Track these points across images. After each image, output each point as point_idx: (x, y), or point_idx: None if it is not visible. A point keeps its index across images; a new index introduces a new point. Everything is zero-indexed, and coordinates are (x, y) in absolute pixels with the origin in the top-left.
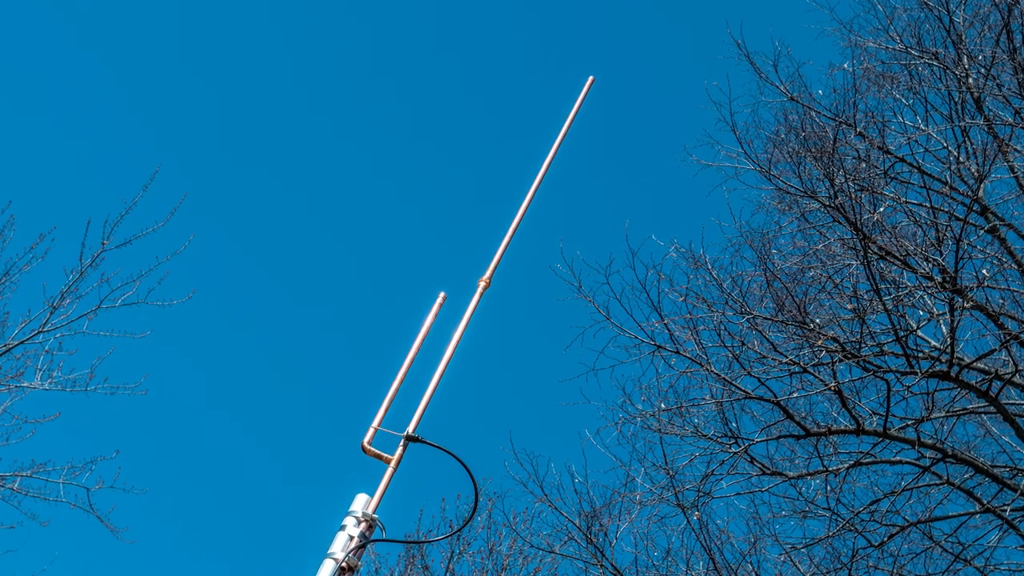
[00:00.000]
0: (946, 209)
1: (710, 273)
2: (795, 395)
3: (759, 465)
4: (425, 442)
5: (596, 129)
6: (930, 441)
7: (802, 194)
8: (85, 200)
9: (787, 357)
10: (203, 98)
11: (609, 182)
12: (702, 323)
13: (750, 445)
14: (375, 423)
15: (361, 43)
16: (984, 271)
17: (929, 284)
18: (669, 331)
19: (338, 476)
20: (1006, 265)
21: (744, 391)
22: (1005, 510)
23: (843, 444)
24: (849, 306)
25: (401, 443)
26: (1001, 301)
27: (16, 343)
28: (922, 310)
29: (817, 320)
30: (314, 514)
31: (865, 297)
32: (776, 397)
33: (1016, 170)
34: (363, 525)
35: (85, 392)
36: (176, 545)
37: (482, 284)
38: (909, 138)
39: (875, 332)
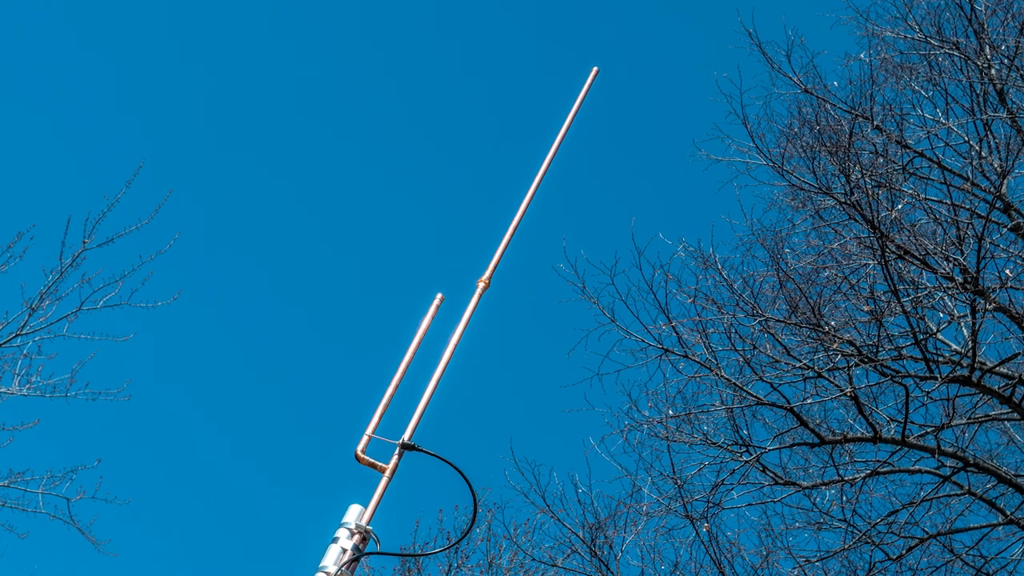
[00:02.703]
0: (967, 206)
1: (720, 273)
2: (809, 401)
3: (771, 474)
4: (421, 450)
5: (600, 123)
6: (951, 449)
7: (816, 190)
8: (65, 197)
9: (801, 361)
10: (189, 89)
11: (614, 178)
12: (712, 326)
13: (762, 453)
14: (369, 430)
15: (355, 33)
16: (1007, 271)
17: (950, 285)
18: (677, 334)
19: (330, 486)
20: None
21: (756, 397)
22: None
23: (859, 452)
24: (866, 308)
25: (396, 451)
26: None
27: None
28: (942, 312)
29: (832, 323)
30: (305, 526)
31: (883, 298)
32: (789, 403)
33: None
34: (356, 537)
35: (65, 398)
36: (160, 558)
37: (481, 285)
38: (929, 132)
39: (893, 335)
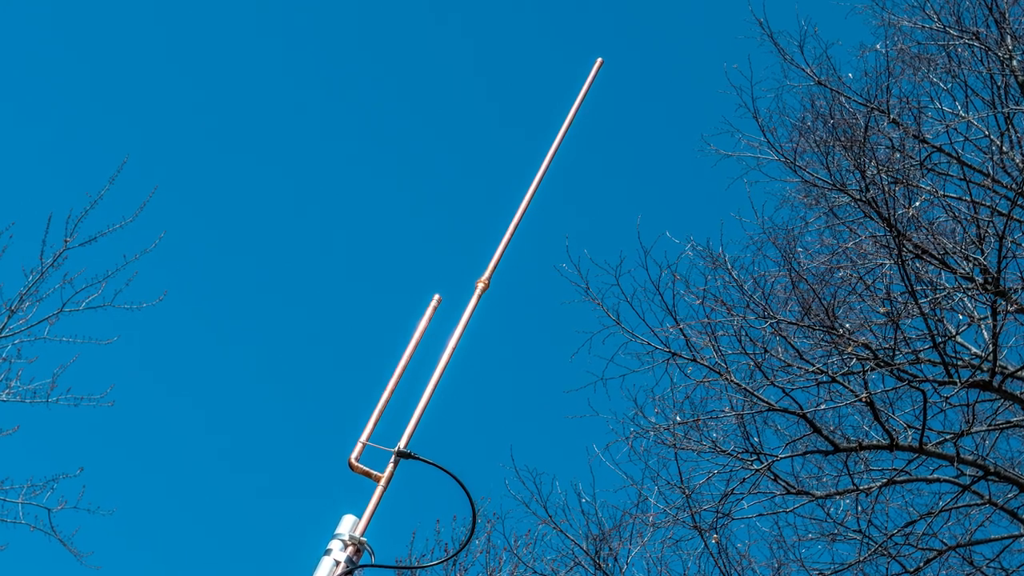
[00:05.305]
0: (988, 203)
1: (730, 273)
2: (823, 407)
3: (783, 483)
4: (418, 458)
5: (605, 117)
6: (970, 457)
7: (830, 187)
8: (46, 194)
9: (814, 365)
10: (175, 82)
11: (619, 174)
12: (721, 328)
13: (774, 461)
14: (363, 437)
15: (350, 26)
16: None
17: (969, 285)
18: (685, 337)
19: (323, 495)
20: None
21: (767, 402)
22: None
23: (875, 460)
24: (882, 309)
25: (392, 459)
26: None
27: None
28: (962, 314)
29: (847, 325)
30: (297, 537)
31: (899, 300)
32: (802, 409)
33: None
34: (350, 549)
35: (46, 403)
36: (145, 570)
37: (480, 285)
38: (947, 125)
39: (910, 338)
